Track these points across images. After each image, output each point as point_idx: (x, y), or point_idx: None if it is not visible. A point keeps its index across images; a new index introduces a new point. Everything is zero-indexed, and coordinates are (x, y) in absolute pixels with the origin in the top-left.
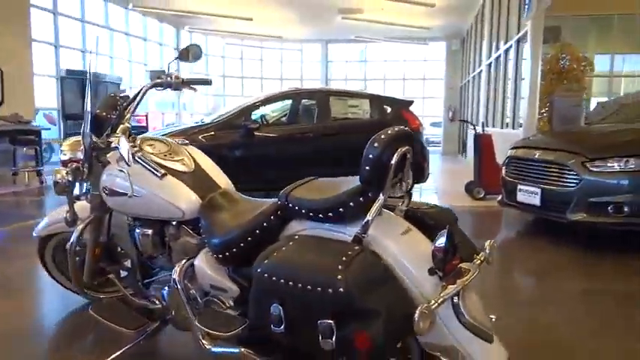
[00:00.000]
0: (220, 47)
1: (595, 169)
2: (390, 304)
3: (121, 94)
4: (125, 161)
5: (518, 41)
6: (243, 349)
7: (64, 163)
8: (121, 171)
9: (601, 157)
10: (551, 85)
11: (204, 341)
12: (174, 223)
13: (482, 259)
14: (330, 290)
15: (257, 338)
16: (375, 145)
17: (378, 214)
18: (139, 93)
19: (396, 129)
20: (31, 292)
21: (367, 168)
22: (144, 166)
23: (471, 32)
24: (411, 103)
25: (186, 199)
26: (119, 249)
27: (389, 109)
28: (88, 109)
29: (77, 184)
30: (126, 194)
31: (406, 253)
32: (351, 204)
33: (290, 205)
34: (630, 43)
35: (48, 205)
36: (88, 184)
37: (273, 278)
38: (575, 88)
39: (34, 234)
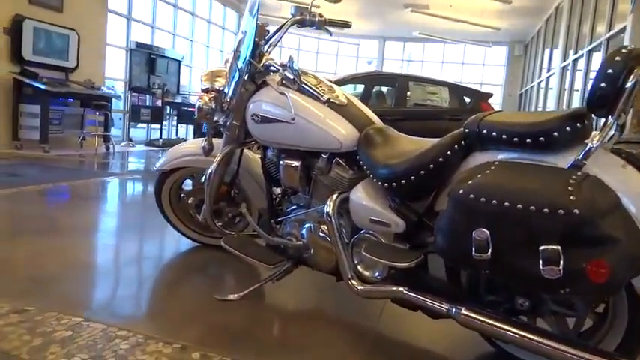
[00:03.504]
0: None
1: None
2: (627, 232)
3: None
4: (291, 82)
5: (608, 40)
6: (402, 289)
7: (205, 92)
8: (283, 94)
9: None
10: None
11: (354, 281)
12: (325, 155)
13: None
14: (560, 212)
15: (418, 277)
16: (617, 59)
17: (602, 141)
18: (281, 27)
19: (635, 47)
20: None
21: (603, 85)
22: (308, 90)
23: (537, 37)
24: (490, 95)
25: (345, 131)
26: (233, 193)
27: (468, 100)
28: (251, 36)
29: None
30: (281, 121)
31: (627, 188)
32: (568, 128)
33: (484, 131)
34: None
35: (115, 167)
36: (224, 116)
37: (482, 199)
38: None
39: (155, 168)
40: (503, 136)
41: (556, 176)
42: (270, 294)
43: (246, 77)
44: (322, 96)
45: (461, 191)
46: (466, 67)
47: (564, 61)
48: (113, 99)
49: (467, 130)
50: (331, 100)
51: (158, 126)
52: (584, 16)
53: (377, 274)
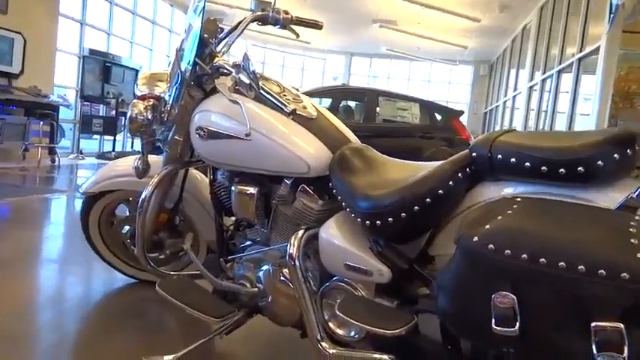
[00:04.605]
0: (243, 49)
1: None
2: None
3: (220, 24)
4: (247, 88)
5: (579, 60)
6: (387, 357)
7: (141, 99)
8: (236, 103)
9: None
10: (616, 108)
11: (323, 344)
12: (288, 180)
13: None
14: (624, 275)
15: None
16: None
17: None
18: (238, 25)
19: None
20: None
21: None
22: (269, 98)
23: (502, 57)
24: (462, 113)
25: (314, 150)
26: (178, 220)
27: (439, 117)
28: (197, 30)
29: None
30: (234, 137)
31: None
32: (616, 156)
33: (498, 156)
34: None
35: (56, 183)
36: (165, 129)
37: (506, 252)
38: None
39: (80, 191)
40: (526, 164)
41: (609, 222)
42: (218, 350)
43: (191, 82)
44: (286, 106)
45: (475, 238)
46: (432, 85)
47: (531, 80)
48: (62, 108)
49: (474, 154)
50: (297, 111)
51: (112, 137)
52: (553, 37)
53: (353, 333)
